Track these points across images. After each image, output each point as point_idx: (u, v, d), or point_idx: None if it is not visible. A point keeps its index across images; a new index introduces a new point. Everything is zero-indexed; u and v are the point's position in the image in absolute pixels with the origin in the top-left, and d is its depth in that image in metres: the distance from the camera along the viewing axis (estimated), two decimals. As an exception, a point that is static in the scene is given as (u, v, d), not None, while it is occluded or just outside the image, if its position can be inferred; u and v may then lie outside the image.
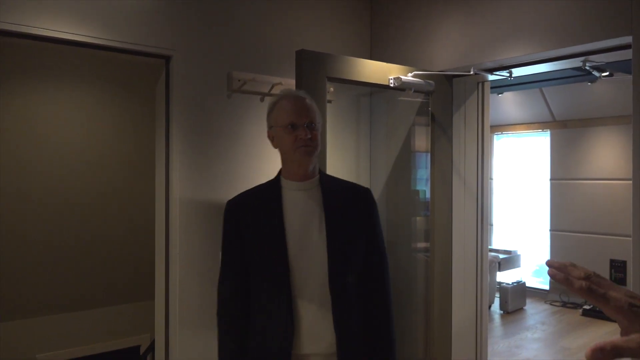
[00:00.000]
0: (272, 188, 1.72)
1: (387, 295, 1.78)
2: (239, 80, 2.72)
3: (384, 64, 2.76)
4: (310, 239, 1.66)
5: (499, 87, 5.57)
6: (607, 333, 5.31)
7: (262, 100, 2.81)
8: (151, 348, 3.38)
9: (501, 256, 6.77)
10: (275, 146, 1.72)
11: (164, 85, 2.60)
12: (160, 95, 2.64)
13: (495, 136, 7.72)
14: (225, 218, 1.74)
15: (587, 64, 2.63)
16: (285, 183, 1.71)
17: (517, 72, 2.89)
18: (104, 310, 4.08)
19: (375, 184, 3.49)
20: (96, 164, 4.01)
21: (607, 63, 2.78)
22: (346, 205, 1.72)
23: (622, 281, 5.66)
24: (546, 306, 6.65)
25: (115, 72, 4.06)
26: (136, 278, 4.19)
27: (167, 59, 2.58)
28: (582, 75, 4.48)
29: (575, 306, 6.44)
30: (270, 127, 1.71)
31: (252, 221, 1.69)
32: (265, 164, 2.78)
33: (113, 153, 4.10)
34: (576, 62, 2.67)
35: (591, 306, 6.13)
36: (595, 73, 2.95)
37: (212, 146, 2.70)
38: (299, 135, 1.63)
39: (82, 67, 3.92)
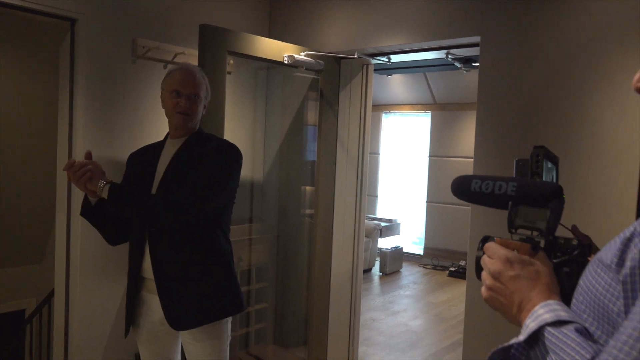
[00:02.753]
0: (160, 143, 2.10)
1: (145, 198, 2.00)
2: (143, 47, 2.89)
3: (280, 42, 3.06)
4: (157, 181, 1.99)
5: (387, 69, 6.09)
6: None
7: (165, 67, 3.00)
8: (38, 311, 3.45)
9: (383, 224, 7.45)
10: (162, 106, 2.05)
11: (68, 48, 2.70)
12: (65, 57, 2.74)
13: (383, 114, 8.34)
14: (126, 164, 2.15)
15: (449, 56, 3.12)
16: (167, 140, 2.08)
17: (395, 58, 3.33)
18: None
19: (269, 153, 3.81)
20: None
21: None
22: (193, 155, 1.99)
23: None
24: (419, 269, 7.46)
25: (20, 32, 3.98)
26: (20, 242, 4.18)
27: (73, 22, 2.68)
28: (451, 64, 5.06)
29: (444, 269, 7.30)
30: (162, 90, 2.04)
31: (138, 166, 2.07)
32: (166, 127, 2.99)
33: (10, 114, 4.04)
34: (441, 54, 3.15)
35: (456, 268, 7.00)
36: (457, 64, 3.45)
37: (116, 109, 2.86)
38: (180, 102, 1.95)
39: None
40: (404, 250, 7.49)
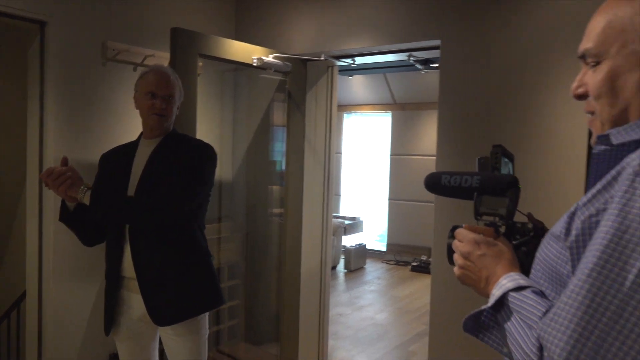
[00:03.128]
0: (133, 144, 2.13)
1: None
2: (113, 50, 2.92)
3: (249, 45, 3.14)
4: (134, 183, 2.03)
5: (349, 70, 6.24)
6: (428, 284, 6.35)
7: (135, 70, 3.03)
8: (6, 316, 3.38)
9: (347, 222, 7.61)
10: (136, 107, 2.09)
11: (38, 50, 2.71)
12: (34, 60, 2.74)
13: (345, 114, 8.50)
14: (98, 165, 2.18)
15: (411, 58, 3.27)
16: (141, 141, 2.12)
17: (359, 60, 3.46)
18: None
19: (238, 154, 3.88)
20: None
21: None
22: (169, 155, 2.05)
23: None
24: (383, 265, 7.65)
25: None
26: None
27: (42, 24, 2.69)
28: (412, 65, 5.26)
29: (406, 264, 7.51)
30: (135, 92, 2.08)
31: (111, 166, 2.11)
32: (137, 128, 3.02)
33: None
34: (403, 56, 3.30)
35: (418, 263, 7.22)
36: (418, 66, 3.62)
37: (86, 111, 2.88)
38: (155, 104, 2.01)
39: None
40: (367, 247, 7.66)
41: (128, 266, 2.00)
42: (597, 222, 0.70)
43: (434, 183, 1.05)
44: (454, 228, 1.02)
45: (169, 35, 2.67)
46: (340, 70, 3.96)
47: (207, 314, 2.14)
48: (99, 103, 2.92)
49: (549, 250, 0.81)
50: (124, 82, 3.00)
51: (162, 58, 3.00)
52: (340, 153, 8.56)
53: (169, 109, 2.05)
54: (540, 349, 0.72)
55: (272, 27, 3.54)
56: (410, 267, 7.31)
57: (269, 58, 3.16)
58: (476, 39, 2.72)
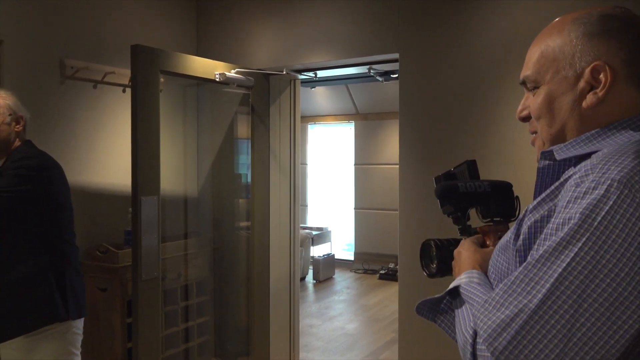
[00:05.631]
0: None
1: None
2: (72, 68, 2.88)
3: (211, 60, 3.14)
4: None
5: (312, 82, 6.29)
6: (396, 291, 6.42)
7: (95, 87, 3.00)
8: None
9: (314, 232, 7.63)
10: None
11: (-7, 70, 2.65)
12: (-11, 79, 2.68)
13: (309, 125, 8.56)
14: None
15: (371, 71, 3.34)
16: None
17: (321, 73, 3.51)
18: None
19: (203, 168, 3.86)
20: None
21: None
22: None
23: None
24: (351, 274, 7.69)
25: None
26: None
27: (-3, 43, 2.64)
28: (372, 76, 5.35)
29: (374, 272, 7.57)
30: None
31: None
32: (99, 146, 2.98)
33: None
34: (364, 69, 3.37)
35: (386, 271, 7.30)
36: (379, 78, 3.69)
37: (45, 131, 2.82)
38: None
39: None
40: (336, 257, 7.70)
41: None
42: (542, 227, 0.78)
43: (450, 192, 1.08)
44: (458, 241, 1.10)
45: (129, 51, 2.66)
46: (303, 82, 4.01)
47: (71, 321, 2.07)
48: (57, 122, 2.87)
49: (498, 262, 0.89)
50: (84, 100, 2.96)
51: (123, 75, 2.98)
52: (306, 164, 8.60)
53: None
54: (476, 332, 0.79)
55: (234, 43, 3.56)
56: (378, 275, 7.38)
57: (232, 73, 3.18)
58: (434, 50, 2.81)
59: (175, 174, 3.59)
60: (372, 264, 7.73)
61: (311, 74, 3.47)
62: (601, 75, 0.81)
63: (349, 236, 8.28)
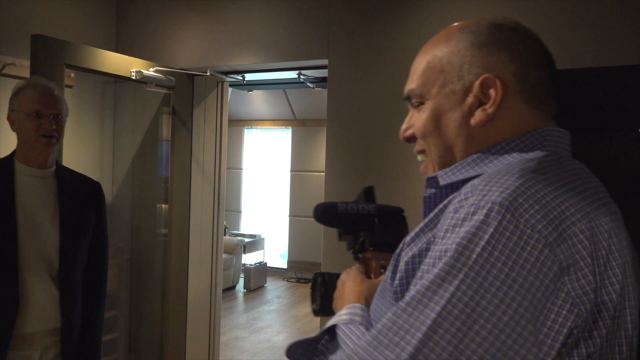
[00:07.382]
0: (3, 168, 1.77)
1: (102, 286, 1.97)
2: (-37, 57, 2.57)
3: (126, 57, 2.91)
4: (42, 224, 1.77)
5: (245, 85, 6.10)
6: (328, 301, 6.32)
7: (-9, 79, 2.70)
8: None
9: (247, 240, 7.41)
10: (14, 130, 1.78)
11: None
12: None
13: (246, 129, 8.35)
14: None
15: (301, 77, 3.21)
16: (20, 167, 1.78)
17: (249, 76, 3.35)
18: None
19: (119, 170, 3.60)
20: None
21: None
22: (79, 197, 1.88)
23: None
24: (284, 282, 7.53)
25: None
26: None
27: None
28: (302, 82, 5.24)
29: (307, 281, 7.45)
30: (12, 111, 1.77)
31: None
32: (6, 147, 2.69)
33: None
34: (294, 74, 3.23)
35: (319, 280, 7.18)
36: (309, 84, 3.57)
37: None
38: (43, 124, 1.73)
39: None
40: (268, 265, 7.51)
41: (32, 319, 1.78)
42: (420, 263, 0.66)
43: (327, 212, 0.95)
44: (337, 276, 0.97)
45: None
46: (238, 85, 3.83)
47: None
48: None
49: (377, 307, 0.77)
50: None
51: (24, 67, 2.69)
52: (241, 169, 8.38)
53: (60, 128, 1.78)
54: None
55: (157, 40, 3.33)
56: (311, 284, 7.25)
57: (150, 72, 2.96)
58: (365, 58, 2.71)
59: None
60: (305, 272, 7.60)
61: (239, 77, 3.30)
62: (491, 90, 0.72)
63: (283, 244, 8.12)
